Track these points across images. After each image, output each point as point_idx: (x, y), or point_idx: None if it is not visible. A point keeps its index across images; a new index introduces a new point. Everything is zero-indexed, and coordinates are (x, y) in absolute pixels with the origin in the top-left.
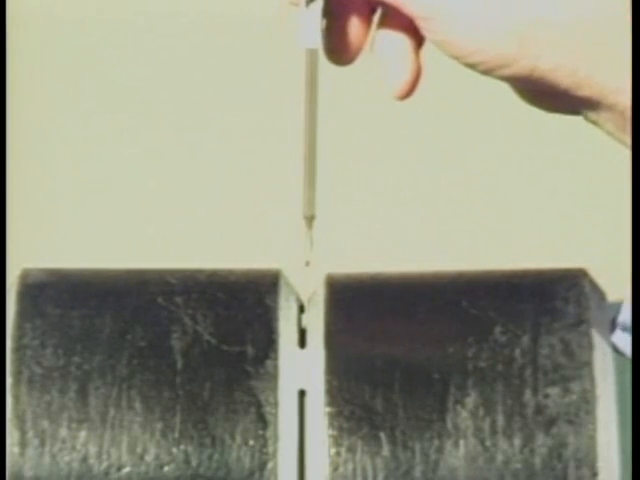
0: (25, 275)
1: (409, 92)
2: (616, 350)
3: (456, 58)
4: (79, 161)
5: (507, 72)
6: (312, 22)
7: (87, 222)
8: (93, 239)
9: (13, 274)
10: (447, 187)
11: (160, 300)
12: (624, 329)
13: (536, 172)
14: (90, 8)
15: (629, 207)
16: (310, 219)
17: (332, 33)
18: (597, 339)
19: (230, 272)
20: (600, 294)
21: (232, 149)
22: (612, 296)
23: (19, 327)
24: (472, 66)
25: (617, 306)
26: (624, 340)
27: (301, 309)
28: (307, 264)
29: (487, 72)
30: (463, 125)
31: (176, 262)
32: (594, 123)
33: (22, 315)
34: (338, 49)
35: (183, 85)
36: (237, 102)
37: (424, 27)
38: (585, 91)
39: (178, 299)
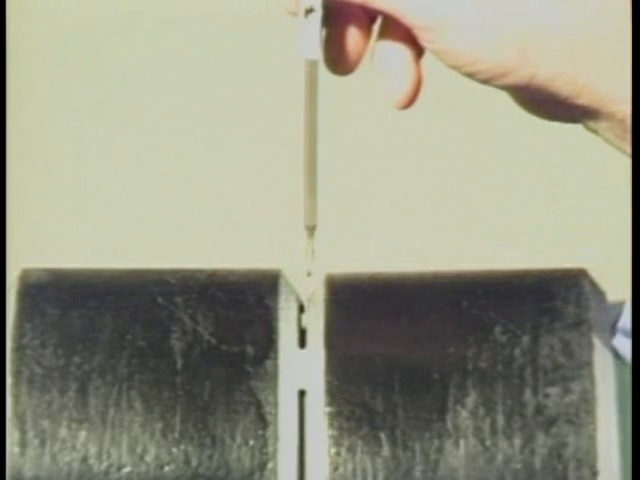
0: (25, 275)
1: (410, 102)
2: (616, 354)
3: (455, 67)
4: (79, 161)
5: (506, 81)
6: (311, 33)
7: (87, 222)
8: (93, 239)
9: (13, 274)
10: (447, 187)
11: (160, 300)
12: (625, 334)
13: (536, 172)
14: (91, 7)
15: (629, 207)
16: (311, 229)
17: (331, 43)
18: (597, 339)
19: (230, 272)
20: (600, 294)
21: (233, 149)
22: (612, 296)
23: (19, 327)
24: (471, 75)
25: (617, 306)
26: (625, 345)
27: (301, 309)
28: (309, 274)
29: (486, 81)
30: (463, 127)
31: (176, 262)
32: (593, 131)
33: (22, 315)
34: (338, 59)
35: (185, 86)
36: (238, 102)
37: (422, 37)
38: (584, 99)
39: (178, 299)
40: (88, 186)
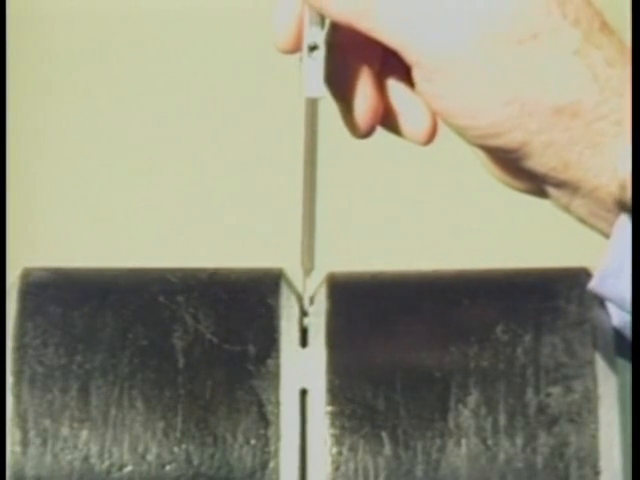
0: (26, 274)
1: (433, 136)
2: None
3: (447, 118)
4: (80, 160)
5: (497, 142)
6: (316, 71)
7: (88, 221)
8: (94, 238)
9: (14, 273)
10: (448, 186)
11: (162, 299)
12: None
13: None
14: (94, 4)
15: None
16: (308, 271)
17: (348, 111)
18: (599, 338)
19: (232, 271)
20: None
21: (234, 148)
22: None
23: (20, 326)
24: (462, 129)
25: None
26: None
27: (302, 308)
28: (305, 315)
29: (476, 138)
30: None
31: (177, 261)
32: (564, 208)
33: (23, 314)
34: (360, 125)
35: (187, 85)
36: (240, 101)
37: (421, 75)
38: (569, 174)
39: (180, 298)
40: (89, 185)
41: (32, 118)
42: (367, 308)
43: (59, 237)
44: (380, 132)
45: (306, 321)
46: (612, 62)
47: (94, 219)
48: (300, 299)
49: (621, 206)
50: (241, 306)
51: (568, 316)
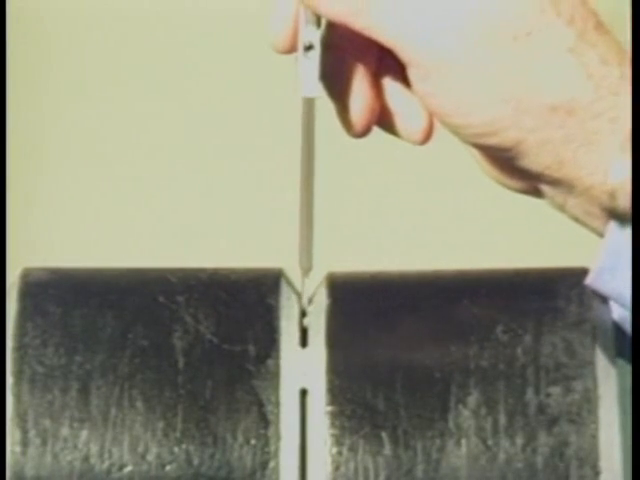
0: (26, 274)
1: (430, 136)
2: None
3: (442, 116)
4: (80, 161)
5: (492, 141)
6: (311, 70)
7: (88, 221)
8: (94, 238)
9: (14, 273)
10: (448, 186)
11: (161, 299)
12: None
13: None
14: (93, 5)
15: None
16: (306, 270)
17: (344, 109)
18: (599, 338)
19: (231, 271)
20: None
21: (234, 148)
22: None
23: (20, 326)
24: (457, 128)
25: None
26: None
27: (302, 308)
28: (305, 315)
29: (471, 137)
30: None
31: (177, 261)
32: (559, 207)
33: (23, 314)
34: (356, 123)
35: (187, 85)
36: (239, 101)
37: (416, 74)
38: (563, 172)
39: (179, 298)
40: (89, 185)
41: (32, 118)
42: (367, 308)
43: (59, 237)
44: (379, 132)
45: (306, 321)
46: (607, 60)
47: (94, 219)
48: (300, 299)
49: (611, 213)
50: (241, 306)
51: (568, 316)
